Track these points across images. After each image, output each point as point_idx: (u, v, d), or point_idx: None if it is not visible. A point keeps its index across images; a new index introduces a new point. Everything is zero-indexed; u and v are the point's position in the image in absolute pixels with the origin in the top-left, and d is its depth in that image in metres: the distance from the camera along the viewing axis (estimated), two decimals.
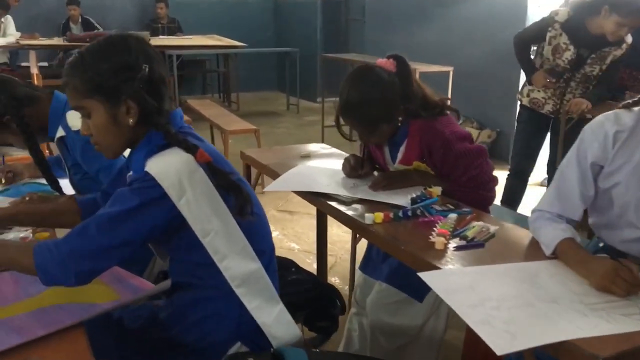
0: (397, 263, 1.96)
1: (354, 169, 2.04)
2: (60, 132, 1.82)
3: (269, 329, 1.37)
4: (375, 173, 2.08)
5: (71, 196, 1.62)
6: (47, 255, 1.22)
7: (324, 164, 2.34)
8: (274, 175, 2.20)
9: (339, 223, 1.86)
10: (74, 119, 1.82)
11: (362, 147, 2.12)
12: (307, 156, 2.43)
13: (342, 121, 1.96)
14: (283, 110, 8.39)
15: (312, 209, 3.87)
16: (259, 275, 1.36)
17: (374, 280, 2.07)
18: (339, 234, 3.72)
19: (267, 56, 9.15)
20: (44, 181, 2.12)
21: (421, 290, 1.93)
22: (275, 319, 1.38)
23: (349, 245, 3.64)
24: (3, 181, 2.01)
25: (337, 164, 2.18)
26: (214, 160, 1.30)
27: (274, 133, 6.78)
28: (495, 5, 5.54)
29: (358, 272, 2.24)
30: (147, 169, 1.26)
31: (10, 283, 1.37)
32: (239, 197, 1.29)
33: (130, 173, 1.35)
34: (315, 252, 2.87)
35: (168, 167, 1.26)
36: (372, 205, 1.81)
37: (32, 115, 1.84)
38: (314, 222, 2.82)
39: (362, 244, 2.97)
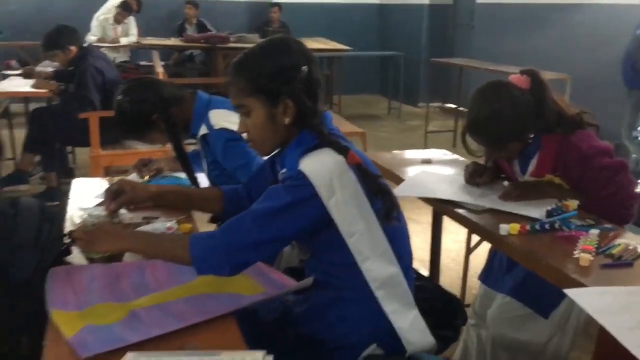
0: (522, 276, 1.90)
1: (472, 176, 2.01)
2: (203, 130, 1.92)
3: (405, 333, 1.37)
4: (505, 183, 2.03)
5: (216, 186, 1.71)
6: (203, 248, 1.29)
7: (445, 170, 2.32)
8: (397, 179, 2.20)
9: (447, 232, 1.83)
10: (217, 118, 1.91)
11: (486, 156, 2.08)
12: (428, 161, 2.42)
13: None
14: (384, 114, 8.37)
15: (416, 216, 3.84)
16: (398, 280, 1.37)
17: (496, 293, 2.02)
18: (445, 243, 3.67)
19: (371, 59, 9.17)
20: (181, 175, 2.24)
21: (547, 306, 1.87)
22: (411, 324, 1.38)
23: (454, 254, 3.58)
24: (147, 177, 2.14)
25: (459, 171, 2.15)
26: (363, 163, 1.32)
27: (375, 137, 6.77)
28: (615, 10, 5.25)
29: (478, 283, 2.19)
30: (300, 167, 1.30)
31: (163, 270, 1.46)
32: (387, 201, 1.31)
33: (284, 171, 1.40)
34: (420, 259, 2.84)
35: (321, 167, 1.29)
36: (502, 216, 1.77)
37: (177, 114, 1.95)
38: (418, 228, 2.79)
39: (475, 255, 2.92)
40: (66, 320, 1.22)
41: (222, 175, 1.97)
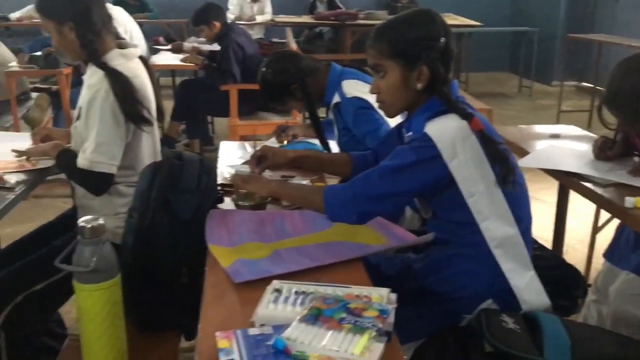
0: None
1: (601, 150, 2.00)
2: (336, 99, 2.09)
3: (520, 292, 1.45)
4: (636, 159, 2.00)
5: (345, 151, 1.87)
6: (335, 196, 1.47)
7: (574, 145, 2.30)
8: (521, 152, 2.23)
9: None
10: (349, 88, 2.07)
11: (616, 130, 2.05)
12: (557, 136, 2.41)
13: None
14: (514, 93, 8.12)
15: (541, 195, 3.77)
16: (515, 241, 1.45)
17: (620, 270, 2.01)
18: (571, 223, 3.59)
19: (501, 35, 8.88)
20: (313, 140, 2.44)
21: None
22: (527, 284, 1.46)
23: (581, 235, 3.49)
24: (285, 142, 2.36)
25: (587, 147, 2.14)
26: (485, 130, 1.41)
27: (503, 115, 6.63)
28: None
29: (602, 260, 2.18)
30: (426, 130, 1.42)
31: (299, 220, 1.65)
32: (505, 166, 1.39)
33: (410, 133, 1.52)
34: (545, 239, 2.82)
35: (445, 131, 1.40)
36: (629, 190, 1.76)
37: (312, 84, 2.14)
38: (542, 207, 2.77)
39: (602, 236, 2.85)
40: (222, 254, 1.44)
41: (351, 141, 2.13)
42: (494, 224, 1.43)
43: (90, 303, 1.41)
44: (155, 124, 2.11)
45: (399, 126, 1.71)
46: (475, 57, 8.41)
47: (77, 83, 4.73)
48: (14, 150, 2.15)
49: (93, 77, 1.99)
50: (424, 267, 1.58)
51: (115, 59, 1.98)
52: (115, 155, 1.91)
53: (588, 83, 7.28)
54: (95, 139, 1.88)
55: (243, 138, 5.05)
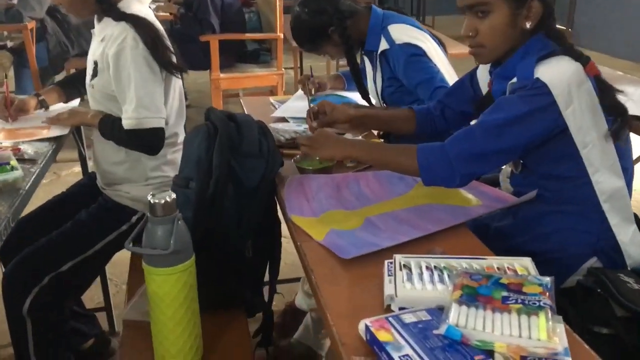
0: None
1: None
2: (383, 46, 1.92)
3: (626, 247, 1.37)
4: None
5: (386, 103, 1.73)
6: (432, 157, 1.32)
7: None
8: None
9: None
10: (399, 33, 1.90)
11: None
12: None
13: None
14: None
15: None
16: (622, 193, 1.36)
17: None
18: None
19: None
20: (342, 93, 2.27)
21: None
22: (630, 239, 1.38)
23: None
24: (313, 92, 2.18)
25: None
26: (601, 75, 1.29)
27: None
28: None
29: None
30: (538, 75, 1.28)
31: (374, 182, 1.51)
32: (621, 119, 1.28)
33: (514, 80, 1.38)
34: None
35: (560, 75, 1.27)
36: None
37: (352, 28, 1.95)
38: None
39: None
40: (309, 225, 1.30)
41: (397, 92, 1.98)
42: (604, 177, 1.32)
43: (167, 288, 1.25)
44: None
45: (472, 73, 1.57)
46: None
47: (40, 38, 4.34)
48: (50, 121, 1.90)
49: (106, 29, 1.76)
50: (509, 226, 1.47)
51: (132, 5, 1.76)
52: (160, 108, 1.73)
53: None
54: (135, 94, 1.68)
55: (226, 93, 4.82)
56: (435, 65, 1.87)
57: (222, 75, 4.31)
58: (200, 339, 1.36)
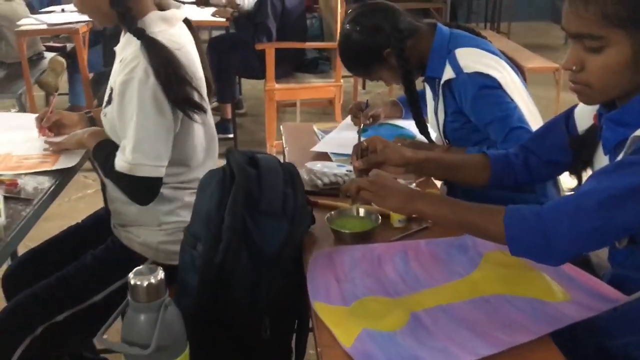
0: None
1: None
2: (448, 74, 1.57)
3: None
4: None
5: (481, 151, 1.37)
6: (524, 226, 1.00)
7: None
8: None
9: None
10: (468, 60, 1.55)
11: None
12: None
13: None
14: (559, 45, 7.45)
15: None
16: None
17: None
18: None
19: None
20: (398, 122, 1.95)
21: None
22: None
23: None
24: (362, 125, 1.88)
25: None
26: None
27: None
28: None
29: None
30: None
31: (426, 252, 1.18)
32: None
33: (638, 133, 1.02)
34: None
35: None
36: None
37: (412, 49, 1.62)
38: None
39: None
40: (336, 320, 0.99)
41: (462, 129, 1.63)
42: None
43: None
44: (209, 108, 1.63)
45: (568, 114, 1.22)
46: (516, 5, 7.71)
47: (94, 42, 4.22)
48: (47, 143, 1.69)
49: (127, 48, 1.51)
50: (605, 320, 1.11)
51: (155, 24, 1.49)
52: (161, 154, 1.46)
53: None
54: (134, 135, 1.42)
55: (280, 104, 4.57)
56: (512, 100, 1.51)
57: (277, 85, 4.06)
58: None
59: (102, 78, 4.26)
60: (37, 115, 1.82)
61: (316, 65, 4.43)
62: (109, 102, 1.54)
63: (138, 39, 1.45)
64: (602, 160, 1.12)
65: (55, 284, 1.53)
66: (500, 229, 1.01)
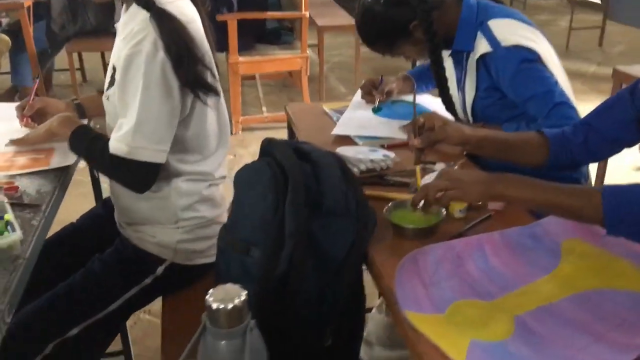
0: None
1: None
2: (484, 47, 1.47)
3: None
4: None
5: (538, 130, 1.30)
6: (625, 203, 0.95)
7: None
8: None
9: None
10: (505, 32, 1.46)
11: None
12: None
13: None
14: None
15: None
16: None
17: None
18: None
19: None
20: (409, 99, 1.85)
21: None
22: None
23: None
24: (377, 102, 1.77)
25: None
26: None
27: None
28: None
29: None
30: None
31: (502, 246, 1.10)
32: None
33: None
34: None
35: None
36: None
37: (438, 22, 1.51)
38: None
39: None
40: (436, 330, 0.89)
41: (495, 105, 1.55)
42: None
43: None
44: (222, 92, 1.49)
45: (632, 88, 1.16)
46: None
47: (39, 17, 3.87)
48: (12, 142, 1.50)
49: (130, 23, 1.33)
50: None
51: None
52: (164, 138, 1.32)
53: None
54: (137, 114, 1.27)
55: (245, 78, 4.37)
56: (552, 74, 1.44)
57: (240, 58, 3.87)
58: None
59: (44, 54, 3.94)
60: (17, 104, 1.61)
61: (278, 36, 4.26)
62: (112, 83, 1.37)
63: (147, 10, 1.29)
64: None
65: (63, 295, 1.37)
66: (597, 209, 0.95)
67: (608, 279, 1.01)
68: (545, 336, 0.88)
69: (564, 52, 5.68)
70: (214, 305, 0.82)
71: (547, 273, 1.03)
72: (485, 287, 1.00)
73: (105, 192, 1.72)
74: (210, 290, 0.84)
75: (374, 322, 1.80)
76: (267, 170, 1.10)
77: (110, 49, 1.45)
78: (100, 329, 1.39)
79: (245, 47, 3.95)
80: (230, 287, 0.85)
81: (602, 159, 1.34)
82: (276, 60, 4.05)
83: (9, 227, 1.09)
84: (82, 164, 1.51)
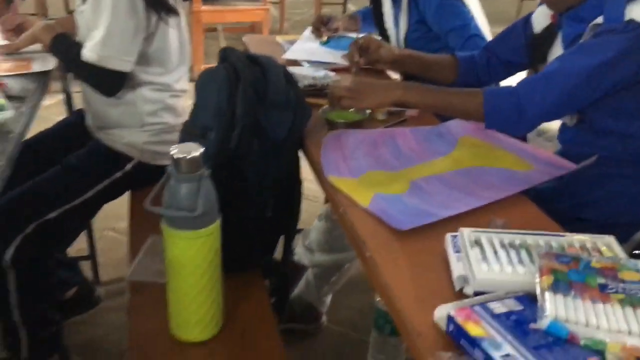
0: None
1: None
2: None
3: None
4: None
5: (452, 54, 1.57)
6: (500, 104, 1.22)
7: None
8: None
9: None
10: None
11: None
12: None
13: None
14: None
15: None
16: None
17: None
18: None
19: None
20: (354, 35, 2.09)
21: None
22: None
23: None
24: (324, 38, 2.00)
25: None
26: None
27: None
28: None
29: None
30: (633, 16, 1.14)
31: (412, 139, 1.37)
32: None
33: (598, 21, 1.23)
34: None
35: None
36: None
37: None
38: None
39: None
40: (350, 188, 1.16)
41: (423, 37, 1.81)
42: None
43: (191, 253, 1.10)
44: (183, 13, 1.69)
45: (526, 18, 1.43)
46: None
47: None
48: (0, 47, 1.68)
49: None
50: (551, 189, 1.36)
51: None
52: (130, 50, 1.53)
53: None
54: (106, 28, 1.48)
55: (207, 28, 4.52)
56: (469, 10, 1.71)
57: (203, 7, 4.02)
58: (221, 307, 1.23)
59: None
60: (0, 19, 1.79)
61: None
62: (84, 0, 1.56)
63: None
64: (557, 54, 1.34)
65: (44, 183, 1.57)
66: (479, 107, 1.22)
67: (489, 161, 1.29)
68: (432, 193, 1.16)
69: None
70: (179, 155, 1.06)
71: (442, 155, 1.31)
72: (391, 162, 1.27)
73: (77, 106, 1.92)
74: (175, 145, 1.08)
75: (316, 230, 2.07)
76: (222, 72, 1.33)
77: None
78: (76, 214, 1.60)
79: None
80: (190, 145, 1.09)
81: (501, 80, 1.61)
82: (238, 11, 4.22)
83: (3, 109, 1.29)
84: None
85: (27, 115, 1.36)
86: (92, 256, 2.19)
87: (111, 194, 1.66)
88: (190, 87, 1.75)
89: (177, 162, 1.06)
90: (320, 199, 2.55)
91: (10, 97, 1.42)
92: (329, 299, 2.03)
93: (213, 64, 1.41)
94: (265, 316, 1.29)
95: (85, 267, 2.13)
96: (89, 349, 1.90)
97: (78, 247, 2.22)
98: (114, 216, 2.32)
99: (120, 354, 1.87)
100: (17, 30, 1.77)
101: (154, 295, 1.27)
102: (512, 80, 1.60)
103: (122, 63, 1.51)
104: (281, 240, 1.55)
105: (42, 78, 1.59)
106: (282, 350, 1.22)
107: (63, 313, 1.81)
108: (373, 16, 1.85)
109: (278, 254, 1.59)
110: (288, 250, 1.54)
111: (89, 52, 1.50)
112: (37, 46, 1.67)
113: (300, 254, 2.03)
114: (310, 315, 2.00)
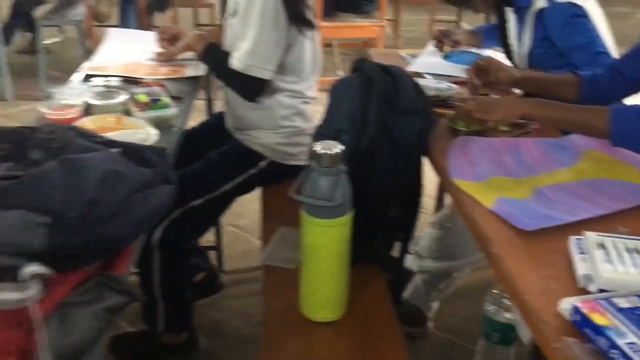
0: None
1: None
2: (541, 3, 1.78)
3: None
4: None
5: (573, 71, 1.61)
6: (628, 121, 1.25)
7: None
8: None
9: None
10: None
11: None
12: None
13: None
14: None
15: None
16: None
17: None
18: None
19: None
20: (476, 51, 2.16)
21: None
22: None
23: None
24: (447, 49, 2.09)
25: None
26: None
27: None
28: None
29: None
30: None
31: (535, 150, 1.43)
32: None
33: None
34: None
35: None
36: None
37: None
38: None
39: None
40: (475, 190, 1.24)
41: (547, 54, 1.85)
42: None
43: (326, 240, 1.23)
44: (318, 27, 1.85)
45: None
46: None
47: None
48: (156, 55, 1.92)
49: None
50: None
51: None
52: (271, 60, 1.69)
53: None
54: (254, 39, 1.65)
55: (324, 44, 4.72)
56: (595, 28, 1.73)
57: (322, 23, 4.21)
58: (346, 293, 1.35)
59: (151, 7, 4.38)
60: (158, 28, 2.03)
61: (358, 5, 4.58)
62: (234, 14, 1.75)
63: None
64: None
65: (189, 176, 1.77)
66: (605, 124, 1.26)
67: (613, 173, 1.32)
68: (556, 200, 1.21)
69: None
70: (319, 150, 1.19)
71: (565, 167, 1.35)
72: (515, 170, 1.33)
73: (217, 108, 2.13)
74: (317, 142, 1.21)
75: (427, 237, 2.14)
76: (356, 81, 1.46)
77: None
78: (215, 204, 1.79)
79: (326, 13, 4.30)
80: (330, 142, 1.22)
81: (625, 97, 1.61)
82: (355, 27, 4.38)
83: (167, 107, 1.49)
84: None
85: (184, 113, 1.55)
86: (218, 247, 2.39)
87: (245, 188, 1.83)
88: (318, 94, 1.91)
89: (319, 156, 1.19)
90: (430, 209, 2.61)
91: (170, 97, 1.62)
92: (435, 305, 2.10)
93: (330, 77, 1.55)
94: (386, 306, 1.40)
95: (211, 257, 2.34)
96: (213, 331, 2.08)
97: (206, 238, 2.44)
98: (237, 214, 2.52)
99: (242, 339, 2.04)
100: (171, 39, 2.01)
101: (285, 279, 1.41)
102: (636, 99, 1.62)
103: (265, 71, 1.69)
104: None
105: (194, 82, 1.79)
106: (403, 340, 1.31)
107: (193, 294, 2.01)
108: (498, 31, 1.91)
109: (394, 254, 1.69)
110: (405, 250, 1.63)
111: (237, 61, 1.69)
112: (189, 54, 1.89)
113: (409, 259, 2.11)
114: (417, 319, 2.07)
